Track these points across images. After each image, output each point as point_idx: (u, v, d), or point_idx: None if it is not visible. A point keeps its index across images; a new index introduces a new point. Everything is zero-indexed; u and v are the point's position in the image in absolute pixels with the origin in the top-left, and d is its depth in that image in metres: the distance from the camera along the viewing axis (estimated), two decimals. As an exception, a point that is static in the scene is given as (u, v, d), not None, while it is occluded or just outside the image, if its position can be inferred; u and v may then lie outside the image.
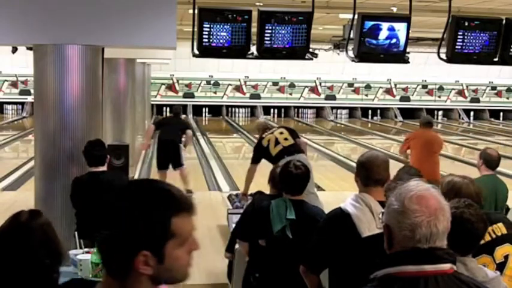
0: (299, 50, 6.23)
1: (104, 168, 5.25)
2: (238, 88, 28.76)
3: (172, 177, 9.45)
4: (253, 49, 6.19)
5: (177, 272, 1.60)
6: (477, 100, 30.31)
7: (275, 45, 6.15)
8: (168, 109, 26.14)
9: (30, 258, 2.35)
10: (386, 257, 1.96)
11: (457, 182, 3.48)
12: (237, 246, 4.99)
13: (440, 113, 30.58)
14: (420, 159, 8.02)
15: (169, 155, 10.07)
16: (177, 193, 1.58)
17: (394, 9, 11.96)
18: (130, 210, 1.54)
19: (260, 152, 7.53)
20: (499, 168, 5.87)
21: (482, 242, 3.23)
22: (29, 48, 6.11)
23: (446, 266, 1.93)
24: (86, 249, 4.19)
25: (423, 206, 1.93)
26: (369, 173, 3.39)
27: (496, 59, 6.68)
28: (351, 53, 6.51)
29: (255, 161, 7.60)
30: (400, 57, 6.54)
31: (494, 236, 3.33)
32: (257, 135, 8.19)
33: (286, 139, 7.33)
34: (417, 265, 1.89)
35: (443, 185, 3.54)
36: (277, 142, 7.34)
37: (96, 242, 1.61)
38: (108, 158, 5.31)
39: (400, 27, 6.41)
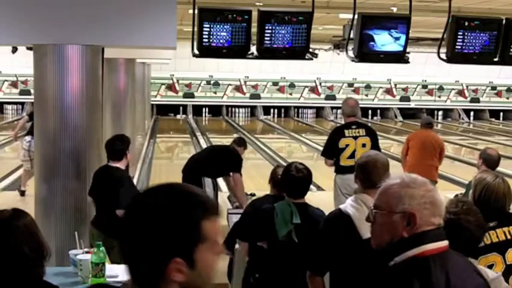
0: (299, 50, 6.23)
1: (119, 164, 5.34)
2: (238, 88, 28.76)
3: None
4: (253, 49, 6.19)
5: (207, 277, 1.56)
6: (477, 100, 30.30)
7: (275, 45, 6.14)
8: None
9: (13, 253, 2.36)
10: (407, 240, 2.07)
11: (486, 178, 3.48)
12: (237, 246, 4.99)
13: (440, 113, 30.58)
14: (417, 159, 8.17)
15: None
16: (203, 195, 1.54)
17: (394, 9, 11.96)
18: (159, 215, 1.46)
19: (333, 148, 6.90)
20: (499, 168, 5.87)
21: (495, 240, 3.25)
22: (29, 48, 6.10)
23: (447, 242, 2.12)
24: (86, 249, 4.19)
25: (432, 187, 2.15)
26: (368, 176, 3.38)
27: (496, 59, 6.68)
28: (351, 53, 6.51)
29: (329, 155, 6.97)
30: (400, 57, 6.54)
31: (510, 237, 3.32)
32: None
33: None
34: (436, 242, 2.06)
35: (473, 181, 3.56)
36: (352, 155, 6.72)
37: (121, 252, 1.54)
38: (127, 154, 5.40)
39: (400, 27, 6.41)
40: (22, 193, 9.73)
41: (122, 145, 5.40)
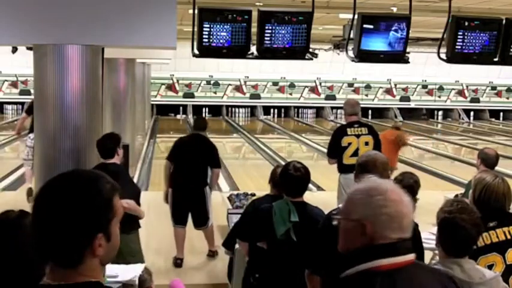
0: (299, 50, 6.23)
1: (114, 160, 5.33)
2: (238, 88, 28.77)
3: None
4: (253, 49, 6.19)
5: (116, 248, 1.71)
6: (477, 100, 30.32)
7: (275, 45, 6.14)
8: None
9: (18, 254, 2.37)
10: (359, 252, 1.94)
11: (486, 179, 3.48)
12: (237, 246, 4.99)
13: (440, 113, 30.60)
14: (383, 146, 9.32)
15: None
16: (107, 176, 1.74)
17: (394, 9, 11.97)
18: (81, 198, 1.62)
19: (336, 147, 6.99)
20: (499, 168, 5.88)
21: (495, 240, 3.25)
22: (29, 48, 6.10)
23: (412, 256, 1.95)
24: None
25: (397, 198, 1.95)
26: (367, 175, 3.39)
27: (496, 59, 6.68)
28: (351, 53, 6.51)
29: (332, 155, 7.07)
30: (400, 57, 6.54)
31: (509, 237, 3.32)
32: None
33: None
34: (391, 257, 1.89)
35: (473, 181, 3.56)
36: (355, 153, 6.75)
37: (40, 238, 1.64)
38: (118, 151, 5.38)
39: (400, 27, 6.41)
40: (30, 192, 9.04)
41: (112, 143, 5.42)
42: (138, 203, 5.22)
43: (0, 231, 2.42)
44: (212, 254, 7.06)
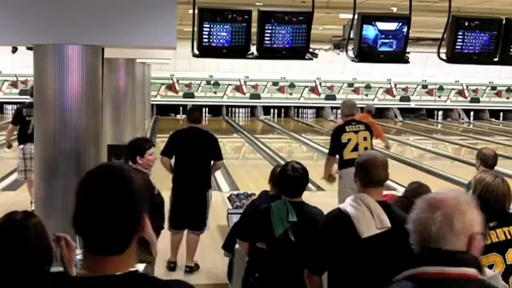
0: (299, 50, 6.23)
1: (138, 166, 5.25)
2: (238, 88, 28.77)
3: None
4: (253, 49, 6.18)
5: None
6: (477, 100, 30.31)
7: (275, 45, 6.14)
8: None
9: (20, 255, 2.39)
10: (411, 258, 1.93)
11: (486, 179, 3.48)
12: (237, 246, 4.99)
13: (440, 113, 30.60)
14: None
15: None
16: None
17: (394, 9, 11.98)
18: (138, 184, 1.70)
19: (337, 145, 7.33)
20: (499, 168, 5.87)
21: (495, 240, 3.26)
22: (29, 48, 6.10)
23: (471, 271, 1.86)
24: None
25: (443, 206, 1.92)
26: (367, 174, 3.39)
27: (496, 59, 6.67)
28: (351, 53, 6.51)
29: (333, 153, 7.40)
30: (400, 57, 6.53)
31: (509, 237, 3.33)
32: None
33: (366, 148, 7.07)
34: (439, 266, 1.85)
35: (473, 181, 3.56)
36: (355, 148, 7.13)
37: (94, 224, 1.65)
38: (140, 157, 5.29)
39: (400, 27, 6.41)
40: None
41: (130, 148, 5.43)
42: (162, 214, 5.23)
43: (5, 232, 2.44)
44: (190, 270, 6.59)
